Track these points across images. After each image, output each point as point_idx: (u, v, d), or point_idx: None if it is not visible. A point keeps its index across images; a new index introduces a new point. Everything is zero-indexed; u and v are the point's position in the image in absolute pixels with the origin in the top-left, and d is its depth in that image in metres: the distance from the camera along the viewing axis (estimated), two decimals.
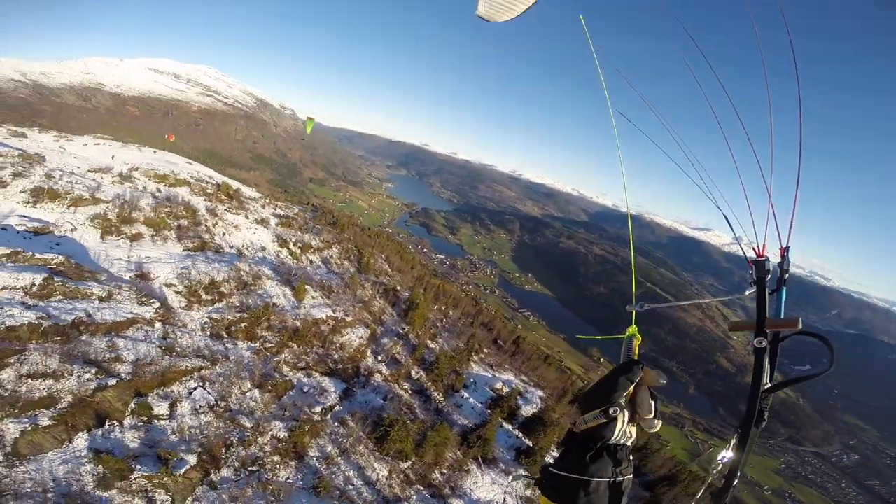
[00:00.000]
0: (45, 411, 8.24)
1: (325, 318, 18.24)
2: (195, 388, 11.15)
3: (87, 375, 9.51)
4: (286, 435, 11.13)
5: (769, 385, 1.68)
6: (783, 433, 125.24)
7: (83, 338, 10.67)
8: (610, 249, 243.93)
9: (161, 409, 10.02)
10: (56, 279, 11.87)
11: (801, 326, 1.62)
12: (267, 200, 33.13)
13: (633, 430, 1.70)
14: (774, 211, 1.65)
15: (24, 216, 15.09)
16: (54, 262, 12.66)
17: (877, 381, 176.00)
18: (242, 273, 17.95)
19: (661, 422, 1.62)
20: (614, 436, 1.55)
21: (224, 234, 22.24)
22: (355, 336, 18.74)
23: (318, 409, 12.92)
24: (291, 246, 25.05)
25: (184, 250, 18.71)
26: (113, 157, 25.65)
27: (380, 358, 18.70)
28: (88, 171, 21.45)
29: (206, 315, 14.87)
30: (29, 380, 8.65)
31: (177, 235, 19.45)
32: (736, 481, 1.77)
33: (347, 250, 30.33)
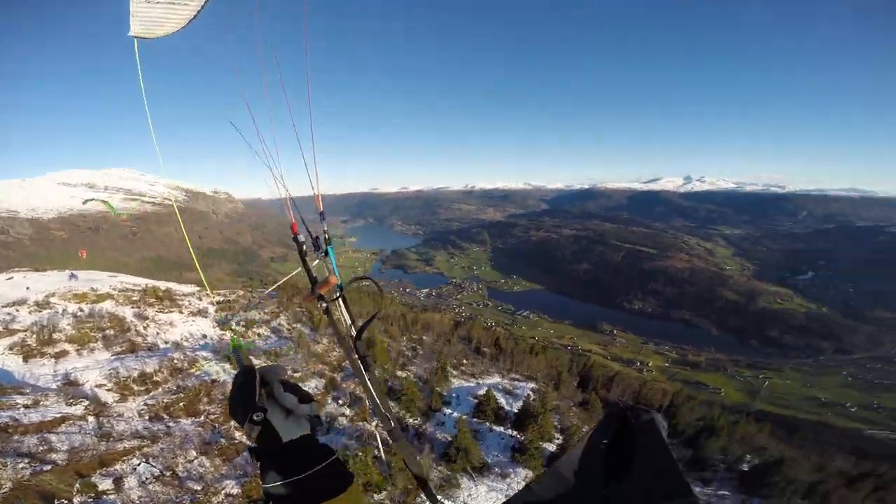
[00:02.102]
0: None
1: None
2: (139, 464, 11.01)
3: (22, 465, 9.36)
4: (239, 490, 10.84)
5: (354, 332, 1.76)
6: (827, 347, 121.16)
7: (14, 437, 10.45)
8: (578, 226, 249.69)
9: (106, 485, 9.89)
10: None
11: (338, 282, 1.70)
12: (204, 292, 32.65)
13: (300, 421, 1.66)
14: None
15: None
16: None
17: (883, 266, 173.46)
18: (176, 361, 17.84)
19: (317, 404, 1.52)
20: (283, 435, 1.44)
21: (158, 333, 21.92)
22: (306, 389, 18.75)
23: None
24: (234, 326, 24.89)
25: (113, 356, 18.12)
26: (28, 288, 24.94)
27: (340, 402, 18.67)
28: (2, 307, 20.80)
29: (142, 402, 14.37)
30: None
31: (104, 345, 18.75)
32: (394, 424, 1.75)
33: (296, 314, 30.26)
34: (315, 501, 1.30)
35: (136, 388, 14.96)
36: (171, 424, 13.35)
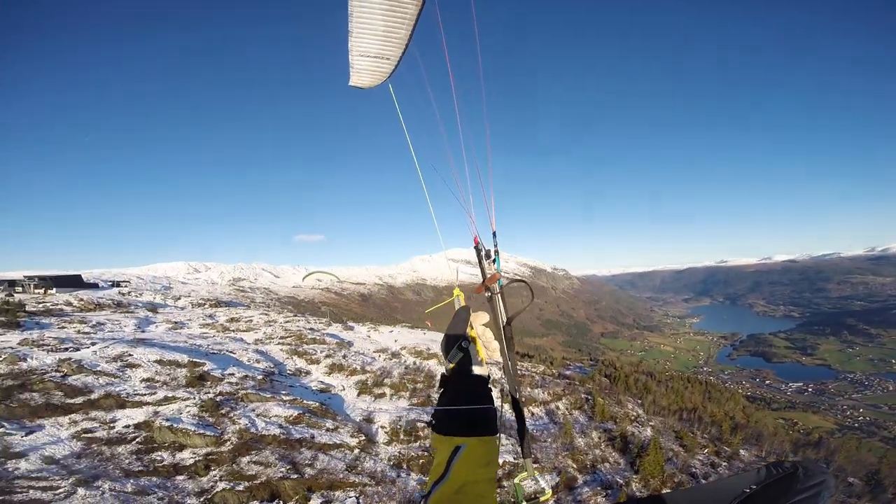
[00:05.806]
0: (244, 482, 12.21)
1: (501, 463, 17.85)
2: (352, 497, 13.37)
3: (283, 469, 13.44)
4: None
5: (506, 319, 2.08)
6: None
7: (302, 449, 15.17)
8: None
9: (316, 502, 12.66)
10: (306, 415, 17.51)
11: (500, 277, 2.09)
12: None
13: (487, 364, 1.82)
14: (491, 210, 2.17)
15: (321, 381, 23.16)
16: (312, 406, 18.80)
17: None
18: None
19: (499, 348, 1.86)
20: (474, 366, 1.65)
21: None
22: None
23: None
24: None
25: (409, 405, 23.01)
26: (396, 340, 35.26)
27: None
28: (374, 351, 30.22)
29: (398, 450, 17.54)
30: (252, 464, 13.15)
31: (410, 395, 24.19)
32: (521, 396, 1.93)
33: (578, 400, 28.85)
34: (462, 434, 1.47)
35: (402, 436, 18.54)
36: (401, 475, 15.74)
